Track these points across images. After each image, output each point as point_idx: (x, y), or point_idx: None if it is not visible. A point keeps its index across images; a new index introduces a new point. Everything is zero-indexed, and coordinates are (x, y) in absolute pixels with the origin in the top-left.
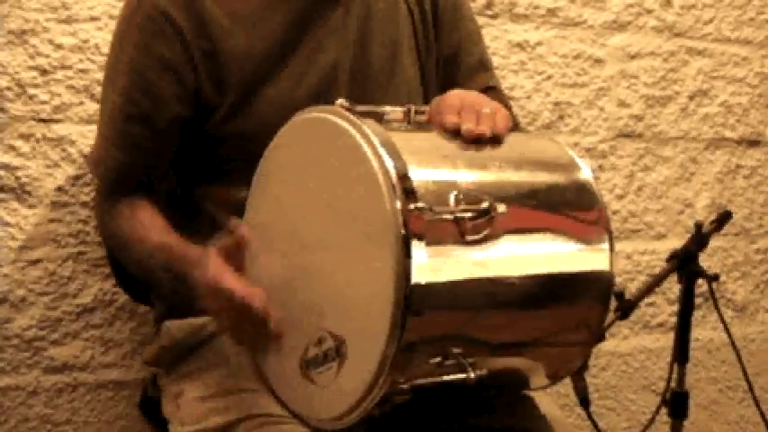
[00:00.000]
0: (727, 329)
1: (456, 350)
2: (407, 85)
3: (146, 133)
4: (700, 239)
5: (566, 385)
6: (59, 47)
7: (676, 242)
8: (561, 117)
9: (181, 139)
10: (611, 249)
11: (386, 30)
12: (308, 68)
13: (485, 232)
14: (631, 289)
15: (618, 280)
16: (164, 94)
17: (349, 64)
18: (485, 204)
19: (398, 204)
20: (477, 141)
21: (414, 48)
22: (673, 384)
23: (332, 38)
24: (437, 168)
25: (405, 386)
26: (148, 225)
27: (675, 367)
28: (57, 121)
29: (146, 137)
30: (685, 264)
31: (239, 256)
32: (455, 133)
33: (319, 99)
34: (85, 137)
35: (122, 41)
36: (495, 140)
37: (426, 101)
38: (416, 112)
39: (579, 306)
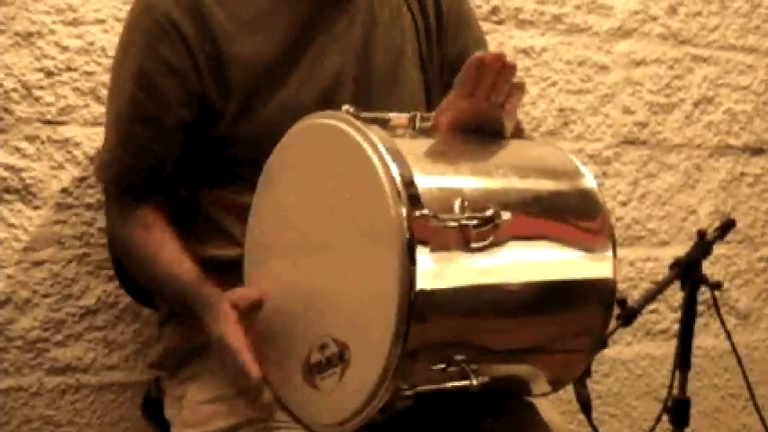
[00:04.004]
0: (729, 337)
1: (459, 357)
2: (411, 91)
3: (151, 136)
4: (703, 247)
5: (567, 392)
6: (65, 49)
7: (680, 249)
8: (566, 123)
9: (186, 143)
10: (614, 257)
11: (390, 37)
12: (313, 74)
13: (489, 239)
14: (634, 296)
15: (621, 287)
16: (169, 97)
17: (353, 70)
18: (489, 212)
19: (403, 211)
20: (499, 71)
21: (417, 55)
22: (675, 392)
23: (336, 44)
24: (442, 175)
25: (408, 392)
26: (162, 247)
27: (677, 374)
28: (62, 123)
29: (151, 140)
30: (688, 271)
31: (252, 315)
32: (460, 132)
33: (323, 104)
34: (91, 139)
35: (128, 46)
36: (500, 145)
37: (429, 108)
38: (422, 119)
39: (582, 313)
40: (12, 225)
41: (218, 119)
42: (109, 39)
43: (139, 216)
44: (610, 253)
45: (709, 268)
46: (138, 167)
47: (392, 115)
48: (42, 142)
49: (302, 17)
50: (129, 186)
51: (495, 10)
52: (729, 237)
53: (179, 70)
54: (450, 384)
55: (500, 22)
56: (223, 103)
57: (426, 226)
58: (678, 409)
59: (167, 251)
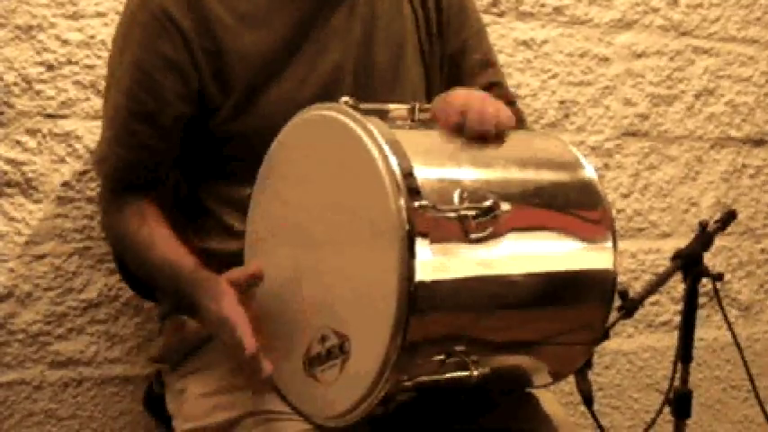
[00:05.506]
0: (731, 329)
1: (459, 348)
2: (412, 85)
3: (150, 132)
4: (704, 239)
5: (569, 383)
6: (66, 42)
7: (681, 241)
8: (567, 115)
9: (185, 138)
10: (615, 248)
11: (390, 30)
12: (313, 69)
13: (489, 230)
14: (636, 288)
15: (622, 279)
16: (168, 93)
17: (353, 65)
18: (489, 202)
19: (402, 202)
20: (480, 139)
21: (418, 48)
22: (676, 384)
23: (336, 39)
24: (441, 167)
25: (408, 383)
26: (158, 235)
27: (679, 366)
28: (63, 117)
29: (150, 135)
30: (690, 263)
31: (250, 293)
32: (459, 131)
33: (324, 99)
34: (92, 132)
35: (126, 40)
36: (499, 138)
37: (429, 100)
38: (420, 110)
39: (582, 305)
40: (13, 219)
41: (217, 114)
42: (109, 32)
43: (135, 205)
44: (610, 244)
45: (710, 260)
46: (136, 163)
47: (391, 106)
48: (43, 136)
49: (302, 13)
50: (126, 181)
51: (495, 2)
52: (731, 228)
53: (177, 65)
54: (449, 375)
55: (501, 14)
56: (222, 99)
57: (426, 218)
58: (680, 401)
59: (162, 239)
